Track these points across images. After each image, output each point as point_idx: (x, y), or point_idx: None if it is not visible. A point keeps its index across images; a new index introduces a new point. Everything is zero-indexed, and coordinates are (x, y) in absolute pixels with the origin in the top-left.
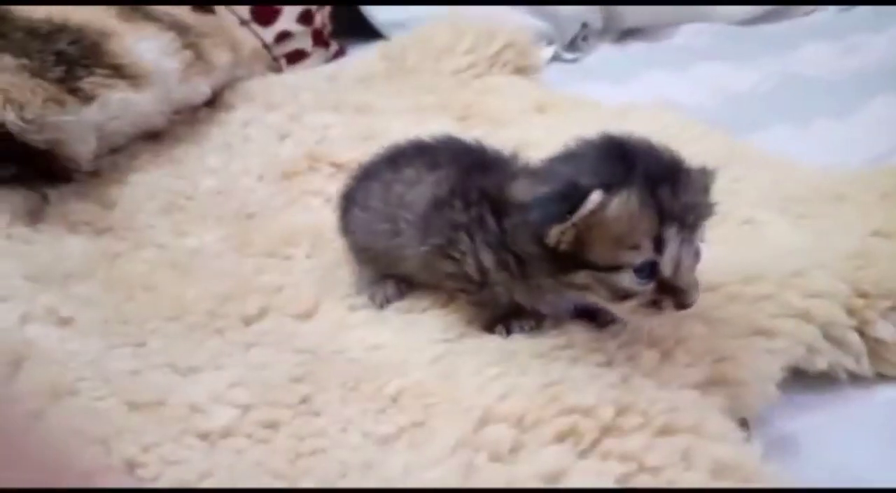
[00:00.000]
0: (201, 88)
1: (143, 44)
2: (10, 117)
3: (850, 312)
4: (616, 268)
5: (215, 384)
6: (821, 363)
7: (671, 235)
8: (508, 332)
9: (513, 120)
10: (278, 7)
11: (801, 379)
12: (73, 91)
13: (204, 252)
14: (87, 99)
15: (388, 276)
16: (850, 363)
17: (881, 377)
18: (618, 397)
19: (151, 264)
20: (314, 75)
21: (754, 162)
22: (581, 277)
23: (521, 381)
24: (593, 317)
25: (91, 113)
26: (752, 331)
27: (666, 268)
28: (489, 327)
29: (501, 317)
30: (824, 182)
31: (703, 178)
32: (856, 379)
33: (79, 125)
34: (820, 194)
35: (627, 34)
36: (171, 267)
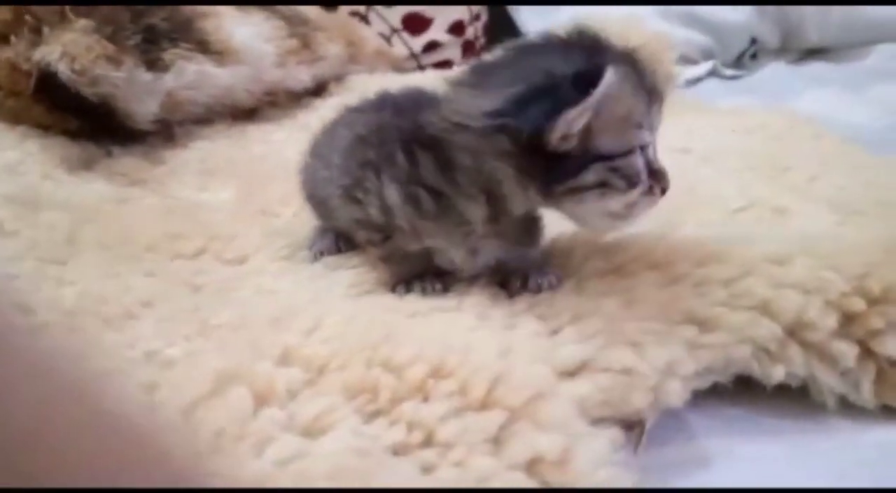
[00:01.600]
0: (300, 75)
1: (241, 27)
2: (61, 67)
3: (847, 316)
4: (629, 151)
5: (60, 292)
6: (776, 374)
7: (655, 113)
8: (407, 292)
9: None
10: (430, 17)
11: (778, 397)
12: (153, 60)
13: (207, 205)
14: (164, 68)
15: (331, 230)
16: (836, 384)
17: (887, 411)
18: (442, 360)
19: (147, 208)
20: (430, 76)
21: (860, 164)
22: (594, 172)
23: (355, 332)
24: (505, 283)
25: (159, 79)
26: (681, 318)
27: (653, 149)
28: (392, 287)
29: (406, 276)
30: None
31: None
32: (849, 408)
33: (133, 85)
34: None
35: (810, 54)
36: (164, 212)
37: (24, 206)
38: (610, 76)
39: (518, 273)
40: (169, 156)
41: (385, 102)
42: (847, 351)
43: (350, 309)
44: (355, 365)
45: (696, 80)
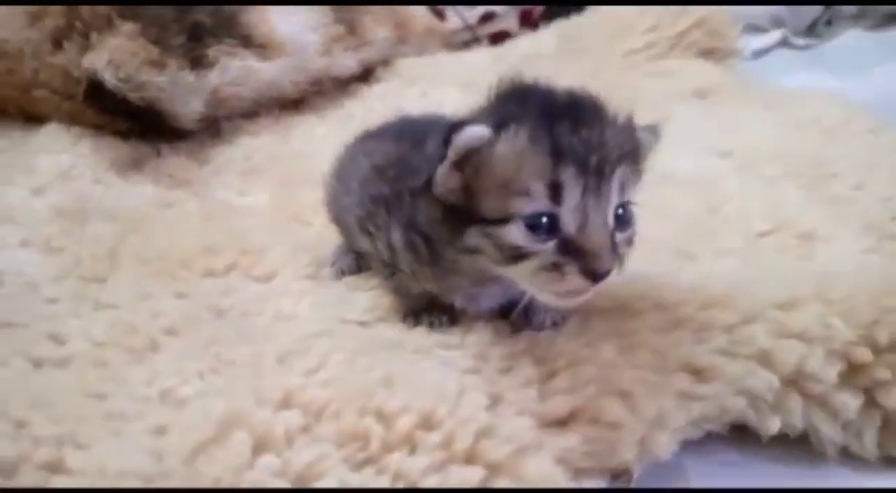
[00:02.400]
0: (346, 62)
1: (286, 18)
2: (107, 75)
3: (852, 366)
4: (505, 220)
5: (94, 318)
6: (772, 425)
7: (569, 178)
8: (416, 324)
9: (657, 104)
10: None
11: (778, 443)
12: (198, 58)
13: (244, 210)
14: (209, 65)
15: (354, 250)
16: (837, 435)
17: (890, 462)
18: (431, 411)
19: (189, 214)
20: (482, 55)
21: None
22: (472, 235)
23: (355, 374)
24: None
25: (203, 78)
26: (677, 366)
27: (567, 222)
28: (403, 318)
29: (416, 309)
30: None
31: (624, 123)
32: (850, 455)
33: (177, 87)
34: None
35: (892, 19)
36: (203, 219)
37: (72, 219)
38: (463, 134)
39: (522, 307)
40: (214, 154)
41: (404, 131)
42: (850, 403)
43: (357, 344)
44: (349, 413)
45: (764, 51)
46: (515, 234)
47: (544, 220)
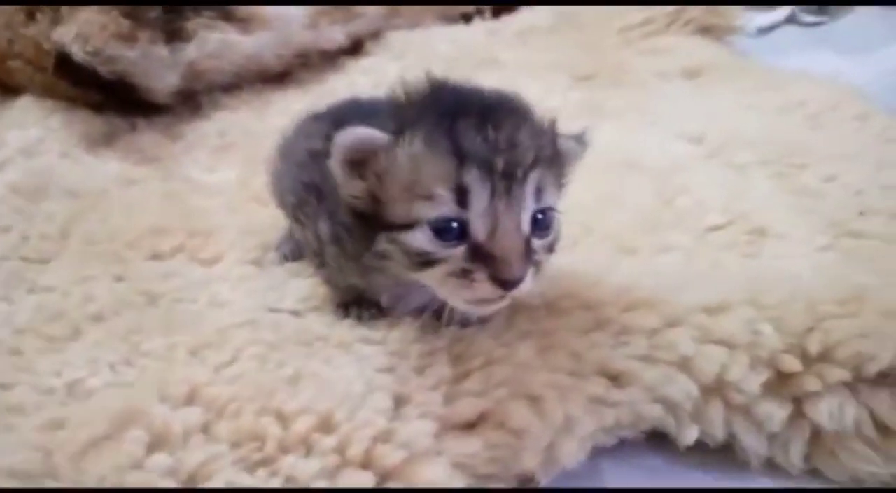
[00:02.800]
0: (333, 35)
1: None
2: (75, 49)
3: (781, 375)
4: (411, 225)
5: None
6: (690, 435)
7: (474, 181)
8: (346, 316)
9: (643, 83)
10: None
11: (703, 449)
12: (175, 30)
13: (209, 189)
14: (187, 38)
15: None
16: (761, 446)
17: (815, 475)
18: (330, 413)
19: (151, 192)
20: (476, 29)
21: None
22: (381, 241)
23: (265, 371)
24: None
25: (178, 51)
26: (593, 370)
27: (476, 227)
28: (335, 308)
29: (345, 300)
30: None
31: (544, 128)
32: (776, 470)
33: (150, 61)
34: None
35: None
36: (163, 197)
37: (28, 196)
38: (337, 141)
39: None
40: (189, 129)
41: (347, 113)
42: (775, 413)
43: (277, 337)
44: (249, 411)
45: (770, 29)
46: (421, 239)
47: (454, 225)
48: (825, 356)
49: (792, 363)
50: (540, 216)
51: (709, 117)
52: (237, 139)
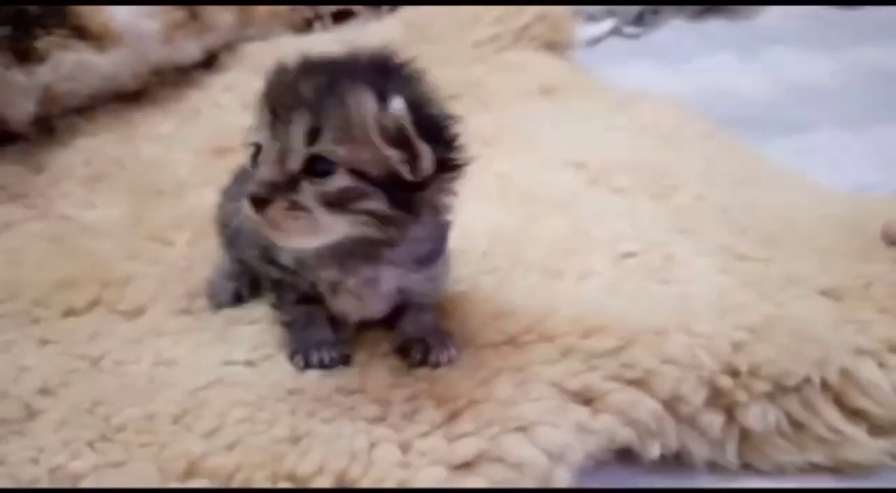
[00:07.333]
0: (188, 50)
1: (122, 6)
2: None
3: (715, 390)
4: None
5: None
6: (653, 450)
7: (262, 117)
8: (306, 364)
9: (507, 103)
10: None
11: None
12: (25, 51)
13: (96, 228)
14: (39, 59)
15: (239, 271)
16: (705, 451)
17: (747, 468)
18: (345, 470)
19: (33, 236)
20: (329, 39)
21: (746, 175)
22: None
23: (259, 433)
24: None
25: (33, 75)
26: (570, 397)
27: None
28: (291, 356)
29: (304, 345)
30: (810, 216)
31: (346, 88)
32: (716, 467)
33: (5, 88)
34: (793, 232)
35: (709, 11)
36: (49, 241)
37: None
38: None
39: (419, 344)
40: (50, 160)
41: None
42: (714, 422)
43: (254, 396)
44: (261, 478)
45: (597, 40)
46: (248, 161)
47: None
48: (751, 374)
49: (725, 381)
50: (318, 163)
51: (578, 141)
52: (106, 168)
